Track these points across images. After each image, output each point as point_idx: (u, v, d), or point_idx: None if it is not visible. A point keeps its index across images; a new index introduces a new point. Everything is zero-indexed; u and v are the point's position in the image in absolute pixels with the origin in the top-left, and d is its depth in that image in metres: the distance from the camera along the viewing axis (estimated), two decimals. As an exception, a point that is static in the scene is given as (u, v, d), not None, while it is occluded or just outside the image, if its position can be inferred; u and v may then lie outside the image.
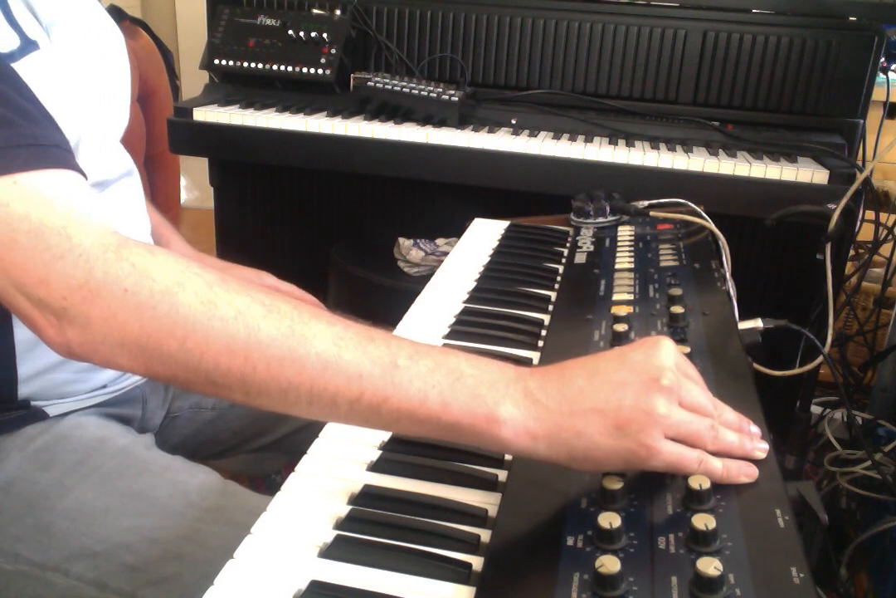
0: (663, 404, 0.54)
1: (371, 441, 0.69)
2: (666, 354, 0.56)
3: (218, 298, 0.56)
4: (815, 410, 1.76)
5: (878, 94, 1.75)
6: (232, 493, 0.79)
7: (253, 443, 1.07)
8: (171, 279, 0.56)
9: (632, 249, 1.05)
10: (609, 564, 0.47)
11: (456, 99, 1.66)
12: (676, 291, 0.85)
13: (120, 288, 0.55)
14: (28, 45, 0.71)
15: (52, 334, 0.58)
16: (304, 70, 1.76)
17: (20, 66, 0.68)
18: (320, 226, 2.06)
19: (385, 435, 0.70)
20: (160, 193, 2.93)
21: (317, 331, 0.56)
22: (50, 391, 0.83)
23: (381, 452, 0.68)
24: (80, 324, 0.56)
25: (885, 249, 1.69)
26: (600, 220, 1.14)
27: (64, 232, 0.57)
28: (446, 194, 1.87)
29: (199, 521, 0.74)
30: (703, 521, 0.50)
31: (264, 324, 0.55)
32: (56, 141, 0.63)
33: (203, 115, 1.70)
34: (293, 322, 0.56)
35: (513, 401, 0.55)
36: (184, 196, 3.51)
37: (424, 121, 1.68)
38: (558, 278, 1.04)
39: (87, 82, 0.80)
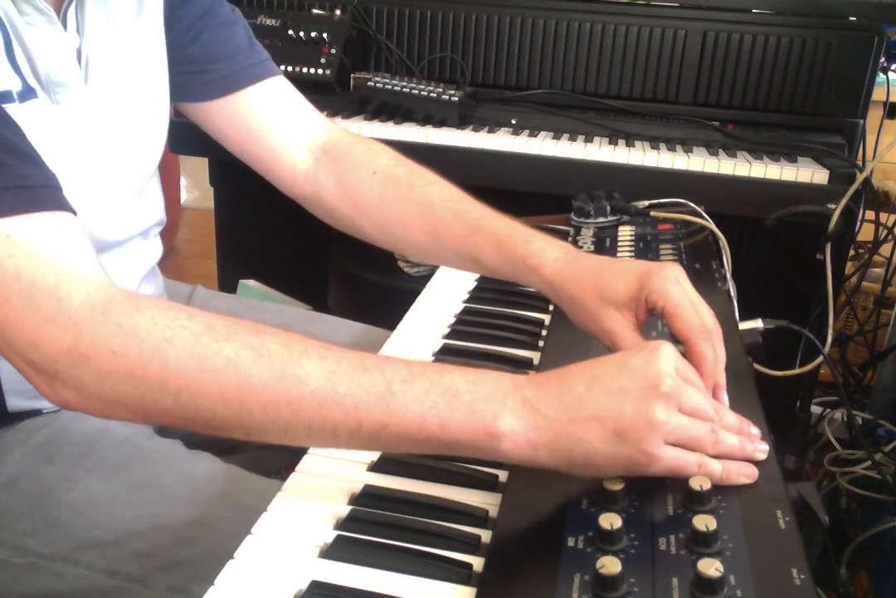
0: (662, 410, 0.54)
1: (371, 442, 0.69)
2: (665, 359, 0.56)
3: (207, 349, 0.56)
4: (815, 410, 1.75)
5: (878, 94, 1.75)
6: (237, 478, 0.80)
7: (255, 442, 1.07)
8: (159, 336, 0.56)
9: (632, 249, 1.05)
10: (610, 565, 0.47)
11: (456, 99, 1.65)
12: (677, 292, 0.85)
13: (108, 351, 0.55)
14: (28, 92, 0.71)
15: (48, 392, 0.58)
16: (304, 70, 1.76)
17: (21, 110, 0.68)
18: (320, 226, 2.05)
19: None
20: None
21: (309, 369, 0.56)
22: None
23: (381, 452, 0.68)
24: (73, 386, 0.57)
25: (885, 249, 1.69)
26: (601, 220, 1.14)
27: (55, 292, 0.57)
28: (446, 194, 1.86)
29: (207, 506, 0.75)
30: (704, 522, 0.50)
31: (255, 370, 0.55)
32: (44, 180, 0.62)
33: (203, 115, 1.70)
34: (284, 363, 0.55)
35: (511, 412, 0.55)
36: (184, 196, 3.51)
37: (424, 121, 1.68)
38: (558, 278, 1.04)
39: (100, 143, 0.80)
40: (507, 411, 0.54)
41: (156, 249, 0.97)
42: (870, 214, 1.55)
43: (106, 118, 0.81)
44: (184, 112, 0.96)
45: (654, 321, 0.82)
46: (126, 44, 0.83)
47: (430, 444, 0.56)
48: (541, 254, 0.77)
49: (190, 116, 0.96)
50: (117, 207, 0.86)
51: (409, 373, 0.56)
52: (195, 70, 0.91)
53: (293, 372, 0.55)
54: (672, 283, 0.68)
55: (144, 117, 0.87)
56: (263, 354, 0.56)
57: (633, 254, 1.03)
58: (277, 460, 1.15)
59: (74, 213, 0.63)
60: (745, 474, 0.57)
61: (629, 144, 1.62)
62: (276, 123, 0.94)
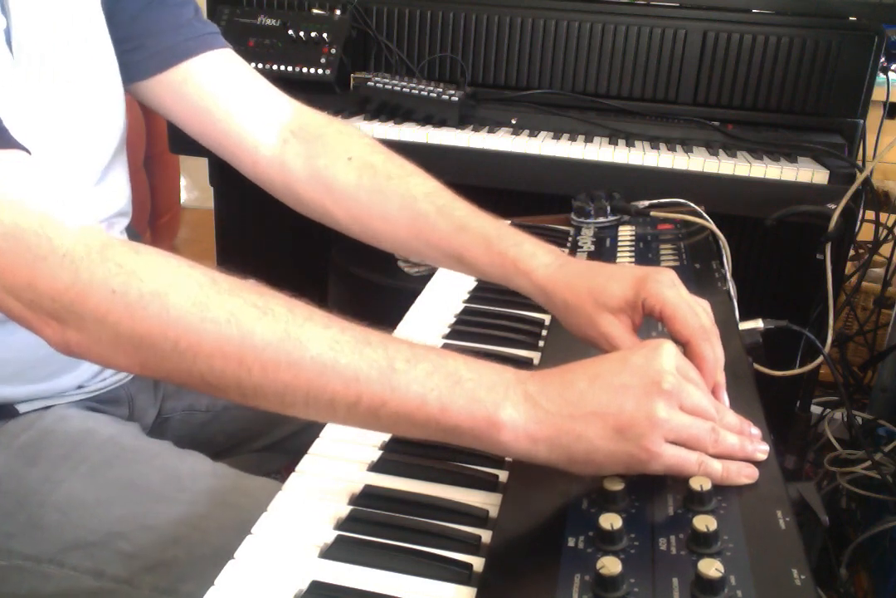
0: (664, 408, 0.54)
1: (372, 441, 0.69)
2: (667, 357, 0.56)
3: (210, 299, 0.55)
4: (815, 410, 1.76)
5: (878, 94, 1.75)
6: (223, 475, 0.78)
7: (250, 445, 1.06)
8: (161, 280, 0.55)
9: (632, 249, 1.05)
10: (610, 565, 0.47)
11: (456, 99, 1.65)
12: (677, 292, 0.85)
13: (108, 289, 0.54)
14: None
15: (49, 334, 0.57)
16: (304, 70, 1.76)
17: None
18: (320, 226, 2.05)
19: (386, 435, 0.69)
20: (160, 193, 2.93)
21: (312, 334, 0.55)
22: (11, 379, 0.82)
23: (381, 452, 0.68)
24: (73, 325, 0.56)
25: (886, 249, 1.69)
26: (601, 220, 1.14)
27: (42, 232, 0.56)
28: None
29: (192, 505, 0.74)
30: (705, 522, 0.50)
31: (258, 327, 0.54)
32: None
33: (203, 114, 1.70)
34: (288, 325, 0.55)
35: (513, 404, 0.54)
36: (184, 196, 3.51)
37: (424, 121, 1.68)
38: (559, 279, 1.03)
39: (42, 128, 0.76)
40: (508, 403, 0.54)
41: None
42: (870, 214, 1.55)
43: (45, 102, 0.77)
44: (139, 99, 0.91)
45: (655, 321, 0.82)
46: (66, 27, 0.79)
47: (428, 428, 0.55)
48: (532, 258, 0.76)
49: (144, 101, 0.91)
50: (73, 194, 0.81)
51: (412, 353, 0.56)
52: (132, 47, 0.86)
53: (296, 335, 0.54)
54: (668, 286, 0.68)
55: (94, 103, 0.83)
56: (268, 313, 0.55)
57: (633, 254, 1.03)
58: (277, 462, 1.15)
59: (29, 152, 0.61)
60: (745, 474, 0.57)
61: (629, 144, 1.62)
62: (229, 100, 0.88)
